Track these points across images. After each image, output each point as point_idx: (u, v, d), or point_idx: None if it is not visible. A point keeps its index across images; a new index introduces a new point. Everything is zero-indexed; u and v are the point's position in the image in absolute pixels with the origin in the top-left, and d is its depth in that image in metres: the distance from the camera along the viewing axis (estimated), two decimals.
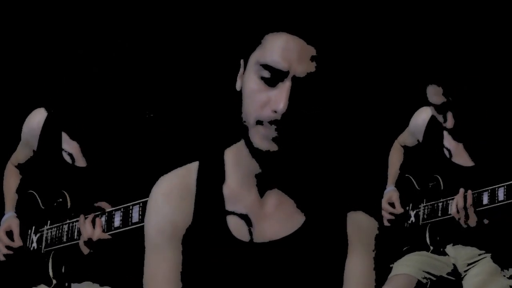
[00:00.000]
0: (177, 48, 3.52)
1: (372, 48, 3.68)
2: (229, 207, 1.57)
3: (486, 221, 2.80)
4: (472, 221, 2.79)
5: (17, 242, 2.52)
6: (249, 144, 1.51)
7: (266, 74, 1.46)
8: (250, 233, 1.55)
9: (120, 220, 2.24)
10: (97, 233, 2.26)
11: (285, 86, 1.45)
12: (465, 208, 2.79)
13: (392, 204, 3.17)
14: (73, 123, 2.34)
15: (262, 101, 1.47)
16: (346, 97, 3.57)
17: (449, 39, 3.13)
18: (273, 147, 1.47)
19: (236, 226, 1.56)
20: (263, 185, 1.57)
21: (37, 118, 2.57)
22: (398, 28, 3.67)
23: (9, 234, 2.55)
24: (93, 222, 2.28)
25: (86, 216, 2.31)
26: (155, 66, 3.41)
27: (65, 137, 2.48)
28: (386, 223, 3.16)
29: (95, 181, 2.41)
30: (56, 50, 2.26)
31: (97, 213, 2.31)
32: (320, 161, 1.62)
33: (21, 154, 2.69)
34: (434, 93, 2.81)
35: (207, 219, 1.56)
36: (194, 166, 1.61)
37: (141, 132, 2.43)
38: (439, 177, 3.01)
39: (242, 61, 1.54)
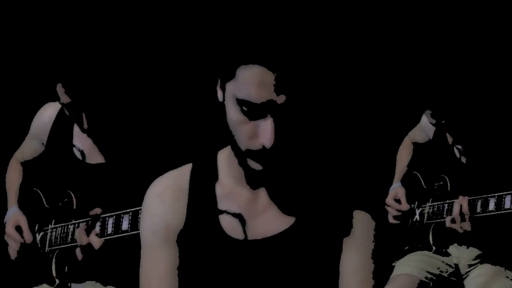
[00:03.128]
0: (169, 52, 3.54)
1: (379, 47, 3.69)
2: (222, 206, 1.59)
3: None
4: (468, 225, 2.81)
5: (28, 238, 2.48)
6: (238, 157, 1.54)
7: (245, 108, 1.46)
8: (244, 231, 1.57)
9: (128, 224, 2.25)
10: (97, 242, 2.25)
11: (268, 122, 1.45)
12: (461, 214, 2.81)
13: (398, 201, 3.17)
14: (88, 119, 2.34)
15: (249, 133, 1.47)
16: (349, 96, 3.60)
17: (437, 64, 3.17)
18: (262, 167, 1.50)
19: (229, 225, 1.57)
20: (255, 183, 1.59)
21: (48, 112, 2.54)
22: (403, 29, 3.68)
23: (17, 230, 2.51)
24: (88, 231, 2.26)
25: (78, 223, 2.32)
26: (147, 69, 3.42)
27: (76, 133, 2.45)
28: (391, 220, 3.16)
29: (106, 178, 2.39)
30: (65, 47, 2.27)
31: (88, 219, 2.31)
32: (313, 159, 1.63)
33: (28, 148, 2.65)
34: (428, 116, 2.89)
35: (201, 219, 1.58)
36: (187, 168, 1.63)
37: (144, 133, 2.43)
38: (446, 178, 3.01)
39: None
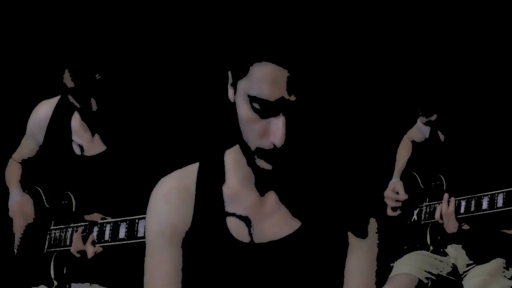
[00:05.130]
0: (177, 50, 3.54)
1: (380, 47, 3.69)
2: (228, 208, 1.58)
3: (466, 227, 2.84)
4: (452, 227, 2.82)
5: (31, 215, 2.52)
6: (247, 157, 1.53)
7: (257, 106, 1.45)
8: (250, 234, 1.56)
9: (125, 232, 2.25)
10: (91, 250, 2.27)
11: (280, 120, 1.45)
12: (447, 214, 2.82)
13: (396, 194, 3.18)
14: (93, 112, 2.34)
15: (260, 131, 1.47)
16: (351, 96, 3.60)
17: (426, 55, 3.18)
18: (271, 167, 1.49)
19: (236, 227, 1.57)
20: (263, 185, 1.58)
21: (44, 110, 2.53)
22: (404, 29, 3.69)
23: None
24: (84, 238, 2.29)
25: (77, 227, 2.32)
26: (155, 68, 3.42)
27: (75, 128, 2.45)
28: (390, 213, 3.15)
29: (106, 168, 2.39)
30: (66, 46, 2.27)
31: (85, 224, 2.32)
32: (318, 161, 1.62)
33: (26, 148, 2.65)
34: (420, 115, 2.91)
35: (207, 221, 1.57)
36: (194, 168, 1.62)
37: (149, 130, 2.42)
38: (442, 177, 3.01)
39: (229, 73, 1.53)
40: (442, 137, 2.94)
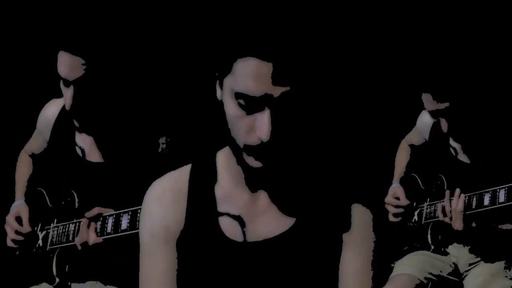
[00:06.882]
0: (167, 52, 3.55)
1: (377, 48, 3.69)
2: (221, 208, 1.58)
3: (473, 224, 2.82)
4: (460, 224, 2.80)
5: (26, 228, 2.53)
6: (237, 155, 1.54)
7: (243, 102, 1.46)
8: (243, 233, 1.57)
9: (128, 223, 2.26)
10: (92, 238, 2.29)
11: (265, 115, 1.45)
12: (456, 210, 2.80)
13: (397, 199, 3.17)
14: (88, 117, 2.34)
15: (246, 127, 1.47)
16: (349, 96, 3.60)
17: (437, 45, 3.15)
18: (261, 164, 1.50)
19: (229, 227, 1.57)
20: (254, 184, 1.59)
21: (52, 109, 2.55)
22: (404, 29, 3.69)
23: (18, 221, 2.56)
24: (88, 226, 2.31)
25: (80, 222, 2.34)
26: (146, 69, 3.43)
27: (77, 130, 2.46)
28: (392, 219, 3.16)
29: (106, 176, 2.40)
30: (69, 44, 2.27)
31: (93, 216, 2.34)
32: (309, 158, 1.62)
33: (35, 143, 2.68)
34: (427, 101, 2.82)
35: (200, 221, 1.58)
36: (186, 169, 1.63)
37: (143, 133, 2.43)
38: (443, 177, 3.01)
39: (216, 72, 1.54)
40: (445, 127, 2.83)
